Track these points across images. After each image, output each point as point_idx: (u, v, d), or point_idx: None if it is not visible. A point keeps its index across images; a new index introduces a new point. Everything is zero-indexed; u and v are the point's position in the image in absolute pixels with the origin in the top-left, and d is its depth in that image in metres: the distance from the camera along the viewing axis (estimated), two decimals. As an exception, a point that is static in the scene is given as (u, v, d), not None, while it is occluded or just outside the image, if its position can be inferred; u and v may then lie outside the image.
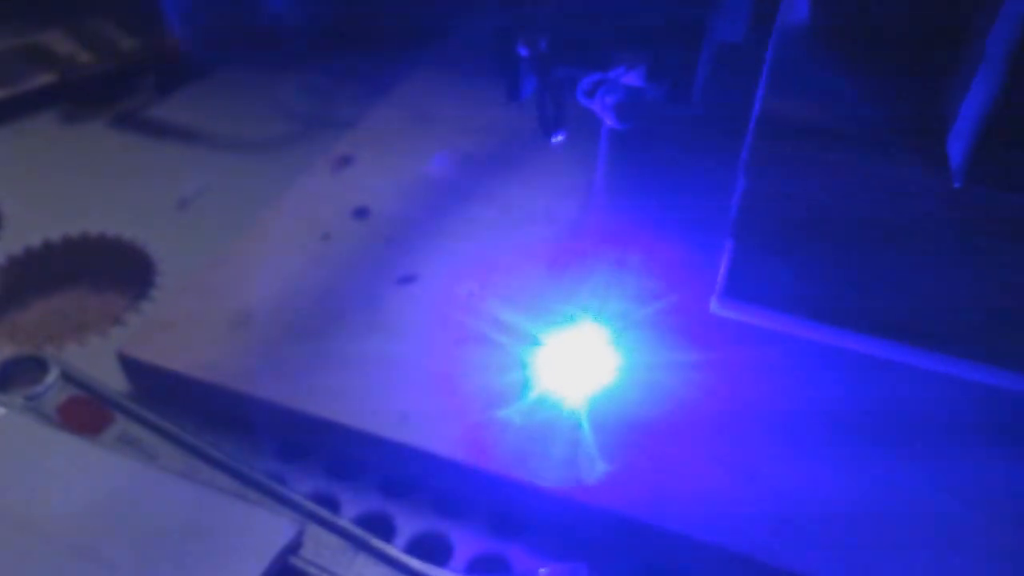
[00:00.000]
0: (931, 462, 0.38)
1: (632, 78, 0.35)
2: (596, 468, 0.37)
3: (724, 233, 0.37)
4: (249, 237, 0.49)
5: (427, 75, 0.63)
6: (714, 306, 0.38)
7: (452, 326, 0.43)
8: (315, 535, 0.36)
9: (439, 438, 0.38)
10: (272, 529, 0.35)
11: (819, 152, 0.33)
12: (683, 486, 0.37)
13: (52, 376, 0.42)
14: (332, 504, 0.39)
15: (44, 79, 0.64)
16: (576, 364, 0.41)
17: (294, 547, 0.35)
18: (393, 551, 0.35)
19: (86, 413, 0.41)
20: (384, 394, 0.40)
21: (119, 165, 0.60)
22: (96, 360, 0.45)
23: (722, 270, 0.37)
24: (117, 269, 0.53)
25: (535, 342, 0.42)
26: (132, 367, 0.43)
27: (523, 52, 0.35)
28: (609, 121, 0.36)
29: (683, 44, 0.34)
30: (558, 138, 0.37)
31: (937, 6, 0.33)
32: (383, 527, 0.38)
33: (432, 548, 0.37)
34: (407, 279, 0.46)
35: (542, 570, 0.35)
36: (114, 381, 0.43)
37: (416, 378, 0.41)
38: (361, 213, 0.51)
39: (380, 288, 0.46)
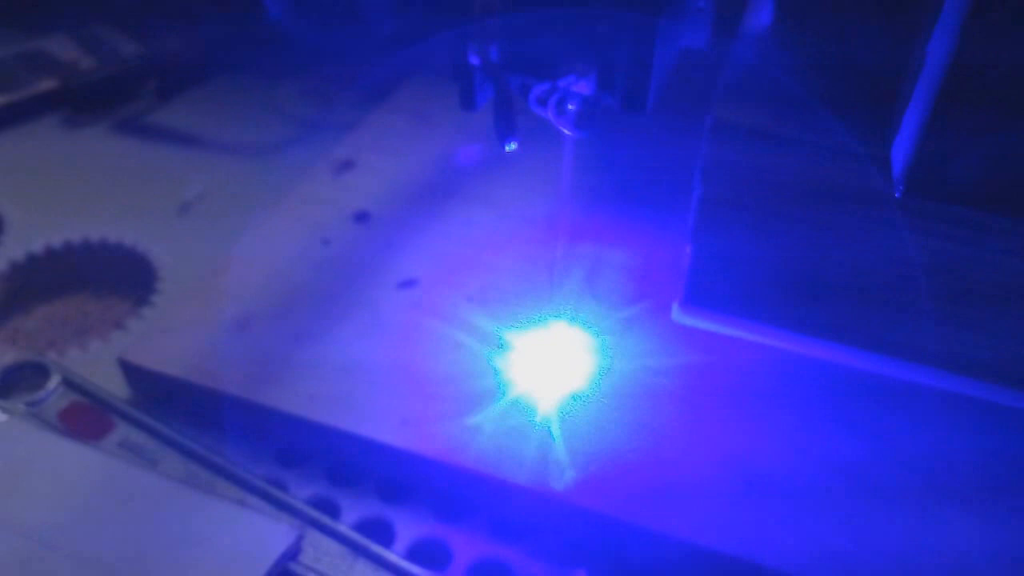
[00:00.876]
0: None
1: (583, 86, 0.35)
2: (566, 475, 0.37)
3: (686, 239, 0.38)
4: (249, 241, 0.49)
5: (427, 79, 0.64)
6: (675, 313, 0.39)
7: (451, 330, 0.43)
8: (314, 541, 0.36)
9: (439, 443, 0.38)
10: (271, 535, 0.35)
11: (771, 157, 0.33)
12: (675, 489, 0.37)
13: (53, 382, 0.42)
14: (332, 509, 0.39)
15: (46, 85, 0.65)
16: (550, 368, 0.41)
17: (293, 553, 0.35)
18: (392, 557, 0.35)
19: (87, 419, 0.41)
20: (385, 399, 0.40)
21: (120, 170, 0.60)
22: (97, 366, 0.45)
23: (685, 277, 0.38)
24: (118, 274, 0.54)
25: (512, 346, 0.42)
26: (133, 373, 0.43)
27: (475, 61, 0.35)
28: (566, 130, 0.36)
29: (632, 54, 0.33)
30: (511, 146, 0.37)
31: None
32: (383, 533, 0.38)
33: (432, 554, 0.37)
34: (407, 284, 0.47)
35: None
36: (115, 387, 0.43)
37: (416, 383, 0.41)
38: (361, 217, 0.51)
39: (380, 293, 0.46)
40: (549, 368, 0.41)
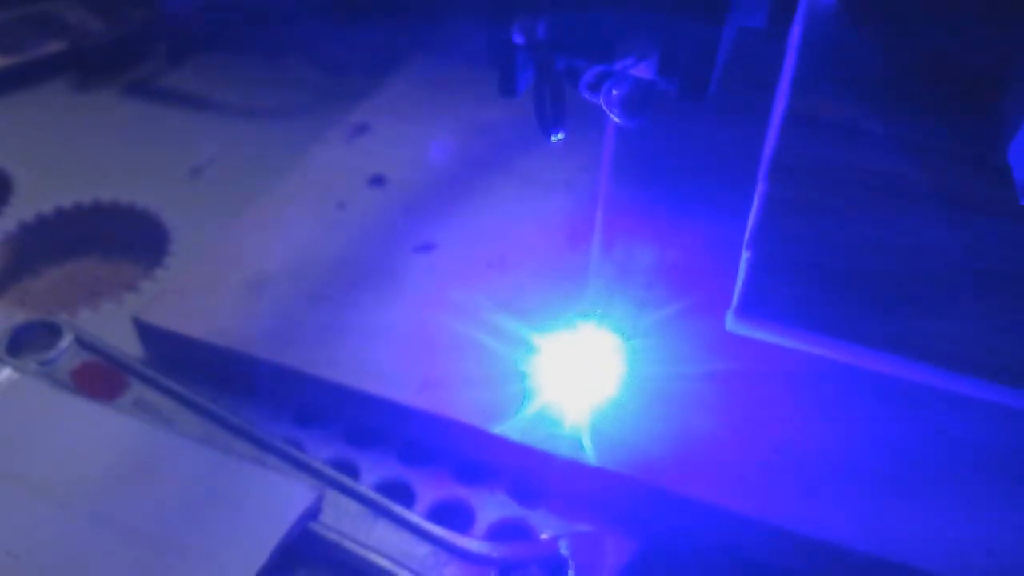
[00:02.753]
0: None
1: (641, 70, 0.32)
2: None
3: (740, 239, 0.35)
4: (264, 204, 0.49)
5: (443, 44, 0.63)
6: (729, 322, 0.36)
7: (471, 295, 0.43)
8: (334, 501, 0.35)
9: (459, 404, 0.38)
10: (291, 495, 0.34)
11: (854, 155, 0.30)
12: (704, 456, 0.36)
13: (66, 341, 0.41)
14: (351, 471, 0.38)
15: (55, 47, 0.64)
16: (579, 373, 0.39)
17: (313, 513, 0.34)
18: (414, 517, 0.34)
19: (101, 378, 0.40)
20: (403, 361, 0.40)
21: (131, 133, 0.59)
22: (110, 327, 0.44)
23: (738, 284, 0.35)
24: (130, 237, 0.53)
25: (537, 348, 0.40)
26: (148, 333, 0.42)
27: (518, 40, 0.32)
28: (616, 118, 0.33)
29: (701, 30, 0.30)
30: (558, 136, 0.34)
31: None
32: (402, 495, 0.37)
33: (453, 515, 0.37)
34: (425, 247, 0.46)
35: (560, 538, 0.34)
36: (129, 348, 0.43)
37: (436, 346, 0.40)
38: (377, 181, 0.51)
39: (397, 256, 0.45)
40: (574, 364, 0.40)
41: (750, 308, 0.35)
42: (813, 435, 0.37)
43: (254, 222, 0.48)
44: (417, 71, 0.60)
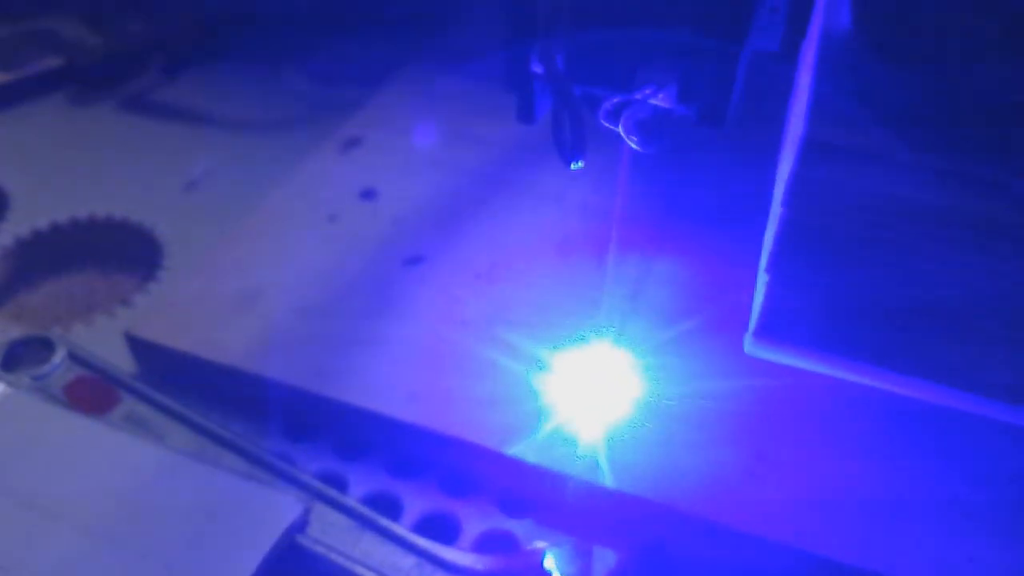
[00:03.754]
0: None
1: (662, 98, 0.32)
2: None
3: (756, 255, 0.34)
4: (256, 218, 0.49)
5: (435, 57, 0.63)
6: (748, 346, 0.35)
7: (460, 307, 0.43)
8: (321, 514, 0.36)
9: (447, 418, 0.38)
10: (278, 508, 0.35)
11: (872, 179, 0.30)
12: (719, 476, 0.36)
13: (59, 356, 0.41)
14: (339, 483, 0.38)
15: (51, 63, 0.64)
16: (592, 393, 0.39)
17: (300, 526, 0.35)
18: (400, 529, 0.35)
19: (93, 393, 0.41)
20: (392, 374, 0.40)
21: (126, 147, 0.60)
22: (103, 341, 0.44)
23: (756, 307, 0.34)
24: (124, 251, 0.53)
25: (545, 366, 0.40)
26: (139, 347, 0.43)
27: (537, 68, 0.32)
28: (634, 144, 0.33)
29: (721, 56, 0.30)
30: (578, 164, 0.33)
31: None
32: (390, 507, 0.38)
33: (440, 527, 0.37)
34: (414, 260, 0.46)
35: (543, 545, 0.35)
36: (121, 362, 0.43)
37: (424, 359, 0.41)
38: (368, 194, 0.51)
39: (387, 269, 0.46)
40: (585, 382, 0.39)
41: (768, 331, 0.35)
42: (833, 460, 0.37)
43: (246, 236, 0.48)
44: (409, 84, 0.60)
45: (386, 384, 0.39)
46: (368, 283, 0.45)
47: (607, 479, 0.36)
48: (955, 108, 0.30)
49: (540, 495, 0.38)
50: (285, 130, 0.61)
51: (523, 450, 0.37)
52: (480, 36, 0.64)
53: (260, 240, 0.48)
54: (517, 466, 0.37)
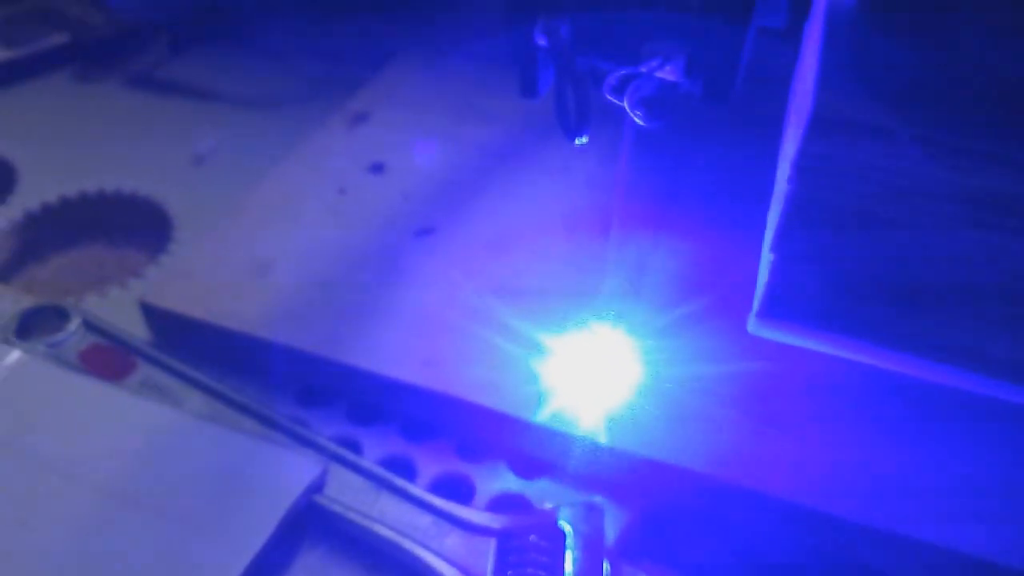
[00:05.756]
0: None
1: (669, 72, 0.31)
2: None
3: (759, 237, 0.34)
4: (266, 190, 0.50)
5: (442, 32, 0.63)
6: (751, 325, 0.35)
7: (471, 277, 0.43)
8: (338, 475, 0.36)
9: (460, 382, 0.38)
10: (296, 468, 0.35)
11: (881, 155, 0.30)
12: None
13: (74, 324, 0.42)
14: (354, 448, 0.39)
15: (57, 40, 0.64)
16: (593, 377, 0.39)
17: (318, 486, 0.35)
18: (416, 489, 0.35)
19: (108, 360, 0.41)
20: (406, 341, 0.40)
21: (134, 123, 0.60)
22: (116, 312, 0.45)
23: (761, 286, 0.34)
24: (134, 225, 0.54)
25: (553, 334, 0.40)
26: (154, 316, 0.43)
27: (541, 41, 0.31)
28: (639, 120, 0.32)
29: (727, 30, 0.30)
30: (582, 139, 0.33)
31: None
32: (404, 470, 0.38)
33: (454, 489, 0.38)
34: (425, 231, 0.47)
35: (559, 509, 0.35)
36: (135, 331, 0.44)
37: (437, 326, 0.41)
38: (377, 168, 0.51)
39: (398, 240, 0.46)
40: (587, 362, 0.40)
41: (772, 310, 0.35)
42: (834, 436, 0.37)
43: (256, 207, 0.48)
44: (416, 59, 0.61)
45: (399, 351, 0.40)
46: (379, 254, 0.45)
47: (609, 440, 0.37)
48: (962, 82, 0.30)
49: (551, 457, 0.38)
50: (292, 106, 0.61)
51: (532, 413, 0.38)
52: (488, 12, 0.64)
53: (271, 211, 0.48)
54: (528, 428, 0.38)
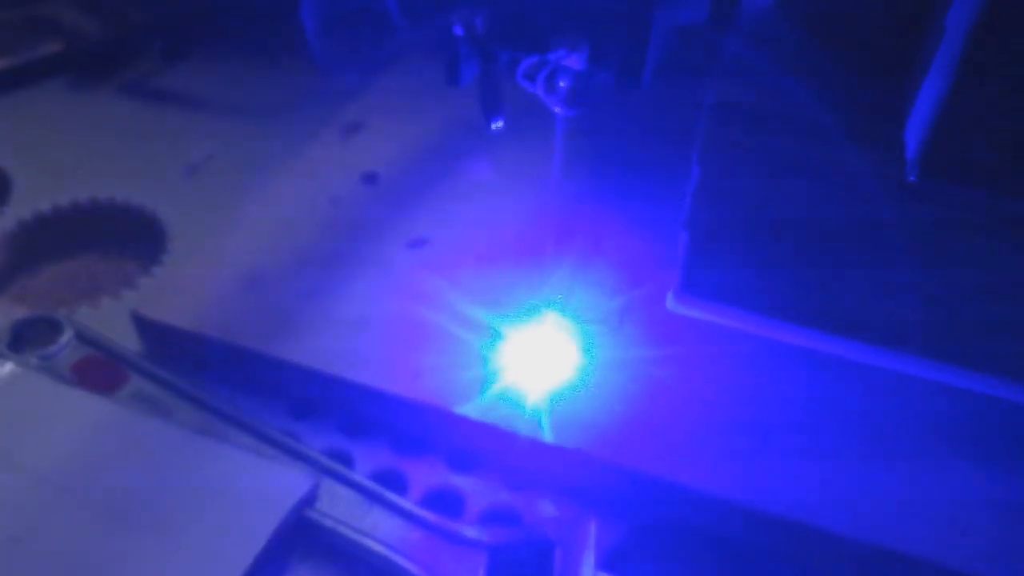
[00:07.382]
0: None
1: (575, 61, 0.33)
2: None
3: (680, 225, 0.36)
4: (259, 201, 0.50)
5: (432, 44, 0.63)
6: (670, 303, 0.37)
7: (462, 289, 0.44)
8: (330, 489, 0.36)
9: (450, 395, 0.39)
10: (287, 482, 0.35)
11: (773, 139, 0.32)
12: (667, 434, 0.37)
13: (66, 336, 0.42)
14: (345, 461, 0.39)
15: (51, 48, 0.64)
16: (539, 359, 0.40)
17: (310, 500, 0.35)
18: (407, 504, 0.35)
19: (100, 372, 0.41)
20: (397, 353, 0.41)
21: (127, 132, 0.60)
22: (109, 323, 0.45)
23: (680, 265, 0.36)
24: (127, 234, 0.54)
25: (502, 335, 0.41)
26: (146, 327, 0.43)
27: (459, 32, 0.34)
28: (556, 108, 0.34)
29: (628, 23, 0.32)
30: (497, 124, 0.36)
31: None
32: (396, 484, 0.38)
33: (444, 503, 0.38)
34: (417, 243, 0.47)
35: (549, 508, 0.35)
36: (128, 343, 0.44)
37: (428, 338, 0.41)
38: (370, 178, 0.52)
39: (391, 251, 0.46)
40: (537, 350, 0.41)
41: (687, 289, 0.37)
42: (752, 409, 0.38)
43: (249, 218, 0.49)
44: (409, 70, 0.61)
45: (390, 363, 0.40)
46: (372, 265, 0.45)
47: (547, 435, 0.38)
48: (849, 63, 0.32)
49: (540, 468, 0.38)
50: (285, 116, 0.61)
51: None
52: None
53: (263, 222, 0.48)
54: (518, 440, 0.38)
